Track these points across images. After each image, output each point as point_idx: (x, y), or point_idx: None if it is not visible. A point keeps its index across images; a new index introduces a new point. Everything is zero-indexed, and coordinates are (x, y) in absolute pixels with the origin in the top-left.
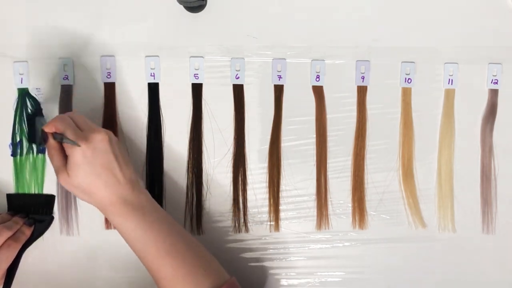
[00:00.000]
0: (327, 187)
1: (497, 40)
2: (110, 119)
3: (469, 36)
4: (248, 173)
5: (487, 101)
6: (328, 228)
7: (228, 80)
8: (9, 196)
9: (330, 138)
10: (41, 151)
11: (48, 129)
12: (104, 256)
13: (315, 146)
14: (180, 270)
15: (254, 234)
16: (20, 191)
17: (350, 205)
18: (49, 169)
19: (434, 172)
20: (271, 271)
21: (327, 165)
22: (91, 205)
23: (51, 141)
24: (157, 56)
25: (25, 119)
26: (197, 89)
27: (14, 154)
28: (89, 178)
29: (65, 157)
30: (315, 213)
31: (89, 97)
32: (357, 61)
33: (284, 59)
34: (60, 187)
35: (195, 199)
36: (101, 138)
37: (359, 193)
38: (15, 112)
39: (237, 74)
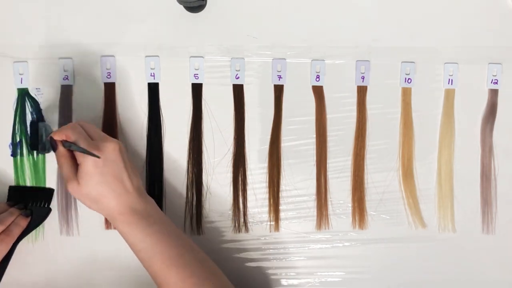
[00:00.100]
0: (327, 187)
1: (497, 40)
2: (110, 119)
3: (469, 36)
4: (248, 173)
5: (487, 101)
6: (328, 228)
7: (228, 80)
8: (10, 188)
9: (330, 138)
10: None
11: (58, 136)
12: (104, 256)
13: (315, 146)
14: (187, 281)
15: (254, 234)
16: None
17: (350, 205)
18: (50, 169)
19: (434, 172)
20: (271, 271)
21: (327, 165)
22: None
23: (61, 149)
24: (157, 56)
25: (27, 125)
26: (197, 89)
27: (14, 154)
28: (99, 188)
29: (74, 165)
30: (315, 213)
31: (89, 97)
32: (357, 61)
33: (284, 59)
34: (61, 187)
35: (195, 199)
36: (112, 148)
37: (359, 193)
38: (15, 112)
39: (237, 74)
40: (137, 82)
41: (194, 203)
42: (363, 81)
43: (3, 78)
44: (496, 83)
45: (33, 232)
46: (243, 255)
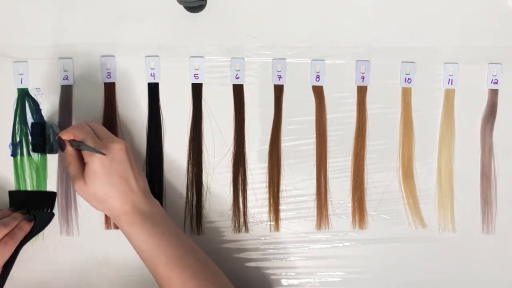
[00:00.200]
0: (327, 187)
1: (497, 40)
2: (110, 119)
3: (469, 36)
4: (248, 173)
5: (487, 101)
6: (328, 228)
7: (228, 80)
8: (10, 193)
9: (330, 138)
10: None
11: (66, 136)
12: (104, 256)
13: (315, 146)
14: (190, 282)
15: (254, 234)
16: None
17: (350, 205)
18: (50, 169)
19: (434, 172)
20: (271, 271)
21: (327, 165)
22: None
23: (69, 149)
24: (157, 56)
25: (28, 125)
26: (197, 89)
27: (14, 154)
28: (106, 187)
29: (82, 165)
30: (315, 213)
31: (89, 97)
32: (357, 61)
33: (284, 59)
34: (61, 187)
35: (195, 199)
36: (119, 148)
37: (359, 193)
38: (15, 112)
39: (237, 74)
40: (137, 82)
41: (194, 203)
42: (363, 81)
43: (3, 78)
44: (496, 83)
45: None
46: (243, 255)
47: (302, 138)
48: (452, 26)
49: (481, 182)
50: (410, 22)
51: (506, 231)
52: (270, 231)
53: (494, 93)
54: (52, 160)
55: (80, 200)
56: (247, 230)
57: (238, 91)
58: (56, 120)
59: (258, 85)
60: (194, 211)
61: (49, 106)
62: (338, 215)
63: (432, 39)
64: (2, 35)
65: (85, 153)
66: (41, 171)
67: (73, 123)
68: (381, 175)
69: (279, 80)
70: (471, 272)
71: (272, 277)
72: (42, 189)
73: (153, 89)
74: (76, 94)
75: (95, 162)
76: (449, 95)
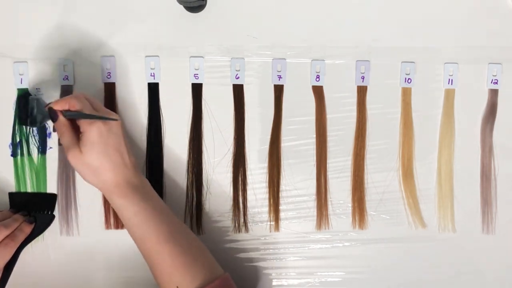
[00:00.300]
0: (327, 187)
1: (497, 40)
2: None
3: (469, 36)
4: (248, 173)
5: (487, 101)
6: (328, 228)
7: (228, 80)
8: (11, 195)
9: (330, 138)
10: (42, 152)
11: (59, 106)
12: (104, 256)
13: (315, 146)
14: (178, 258)
15: (254, 234)
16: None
17: (350, 205)
18: (50, 169)
19: (434, 172)
20: (271, 271)
21: (327, 165)
22: (93, 186)
23: (62, 119)
24: (157, 56)
25: (17, 101)
26: (197, 89)
27: (14, 154)
28: (101, 157)
29: (76, 134)
30: (315, 213)
31: None
32: (357, 61)
33: (284, 59)
34: (61, 187)
35: (195, 199)
36: (116, 121)
37: (359, 193)
38: (15, 112)
39: (237, 74)
40: (137, 82)
41: (194, 203)
42: (363, 81)
43: (3, 78)
44: (496, 83)
45: None
46: (243, 255)
47: (302, 138)
48: (452, 26)
49: (481, 182)
50: (410, 22)
51: (506, 231)
52: (270, 231)
53: (494, 93)
54: (52, 160)
55: (80, 200)
56: (247, 230)
57: (238, 91)
58: (42, 92)
59: (258, 85)
60: (194, 211)
61: None
62: (338, 215)
63: (432, 39)
64: (2, 35)
65: (82, 122)
66: (41, 171)
67: None
68: (381, 175)
69: (279, 80)
70: (471, 272)
71: (272, 277)
72: (42, 189)
73: (153, 89)
74: None
75: (93, 131)
76: (449, 95)
